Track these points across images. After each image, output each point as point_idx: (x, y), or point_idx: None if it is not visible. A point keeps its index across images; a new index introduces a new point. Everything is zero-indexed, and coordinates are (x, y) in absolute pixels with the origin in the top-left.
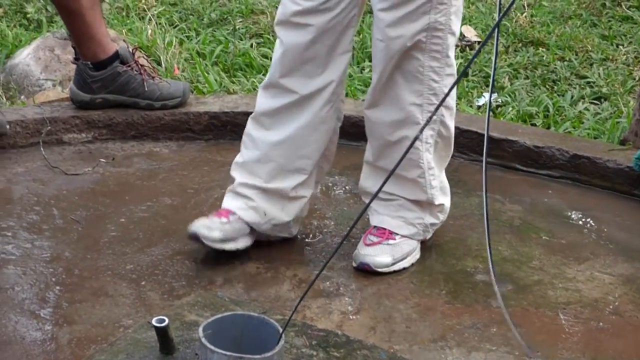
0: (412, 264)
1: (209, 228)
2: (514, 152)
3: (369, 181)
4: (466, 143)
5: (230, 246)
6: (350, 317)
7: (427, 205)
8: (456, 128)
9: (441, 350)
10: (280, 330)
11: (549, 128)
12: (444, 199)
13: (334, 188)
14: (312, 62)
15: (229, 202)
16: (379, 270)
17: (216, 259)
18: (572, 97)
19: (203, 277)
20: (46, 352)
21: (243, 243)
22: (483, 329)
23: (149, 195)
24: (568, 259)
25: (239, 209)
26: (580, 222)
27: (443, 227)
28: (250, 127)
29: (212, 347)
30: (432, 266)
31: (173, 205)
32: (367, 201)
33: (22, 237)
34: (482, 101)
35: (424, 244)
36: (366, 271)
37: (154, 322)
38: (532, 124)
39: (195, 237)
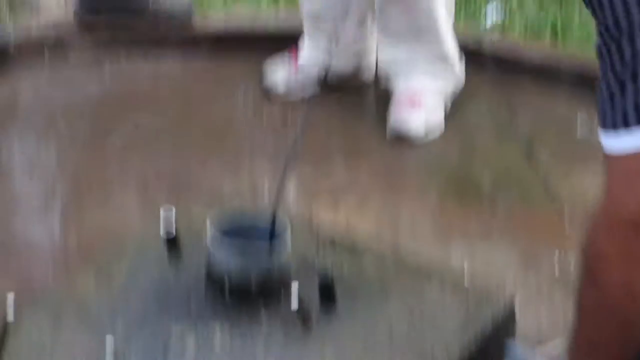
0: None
1: (275, 84)
2: (523, 69)
3: (392, 50)
4: None
5: (296, 97)
6: (356, 215)
7: (446, 58)
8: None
9: (445, 249)
10: (288, 224)
11: (557, 43)
12: (459, 56)
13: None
14: None
15: (302, 56)
16: (414, 138)
17: (224, 168)
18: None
19: (210, 185)
20: (54, 257)
21: (311, 91)
22: (488, 230)
23: (153, 105)
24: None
25: (308, 62)
26: (589, 136)
27: (449, 132)
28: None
29: (221, 237)
30: (438, 168)
31: (178, 116)
32: (391, 74)
33: (28, 146)
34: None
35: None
36: (401, 139)
37: (161, 212)
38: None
39: (265, 90)
